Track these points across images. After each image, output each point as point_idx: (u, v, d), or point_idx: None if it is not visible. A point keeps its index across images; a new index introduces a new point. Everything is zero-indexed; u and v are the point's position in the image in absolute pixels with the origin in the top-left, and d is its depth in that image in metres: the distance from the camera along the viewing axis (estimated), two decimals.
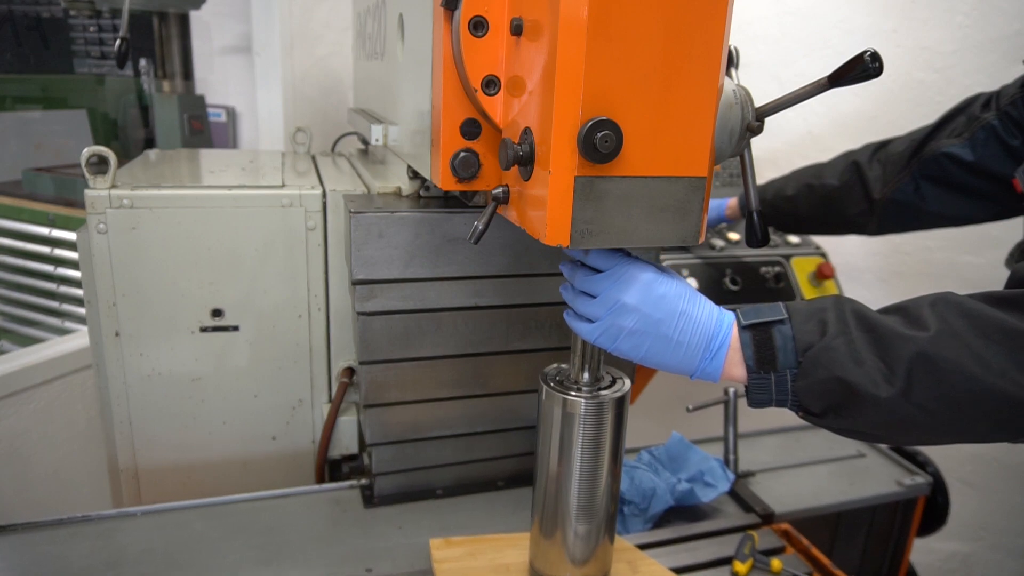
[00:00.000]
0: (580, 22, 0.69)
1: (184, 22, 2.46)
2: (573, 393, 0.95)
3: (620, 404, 0.96)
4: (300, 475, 1.45)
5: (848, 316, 0.83)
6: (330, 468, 1.46)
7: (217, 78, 2.77)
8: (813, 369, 0.82)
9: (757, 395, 0.86)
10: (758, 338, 0.84)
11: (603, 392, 0.96)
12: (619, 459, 1.00)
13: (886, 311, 0.85)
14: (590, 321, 0.88)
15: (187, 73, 2.51)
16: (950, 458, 2.33)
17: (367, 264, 1.14)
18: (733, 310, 0.89)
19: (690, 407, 1.38)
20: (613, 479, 1.00)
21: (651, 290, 0.85)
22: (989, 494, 2.37)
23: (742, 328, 0.85)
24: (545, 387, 0.97)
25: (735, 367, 0.86)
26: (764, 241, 0.89)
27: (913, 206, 1.60)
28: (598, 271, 0.89)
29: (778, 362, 0.83)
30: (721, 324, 0.86)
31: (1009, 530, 2.39)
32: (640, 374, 1.88)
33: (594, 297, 0.88)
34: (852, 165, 1.70)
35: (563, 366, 1.03)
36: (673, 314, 0.85)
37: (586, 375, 0.98)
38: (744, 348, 0.85)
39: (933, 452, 2.28)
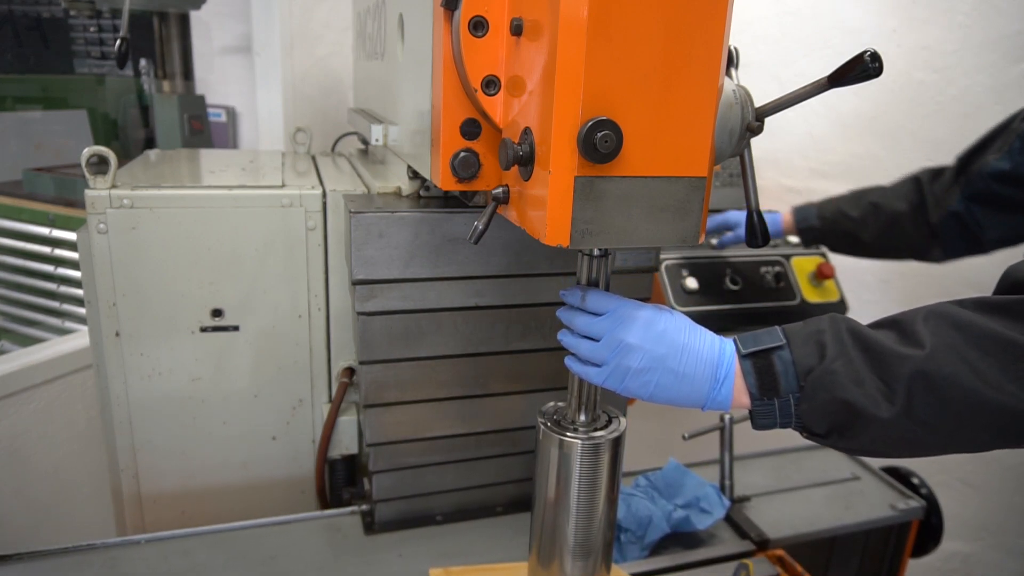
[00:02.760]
0: (580, 22, 0.69)
1: (184, 22, 2.46)
2: (569, 434, 0.96)
3: (616, 444, 0.97)
4: (300, 475, 1.45)
5: (845, 336, 0.83)
6: (331, 492, 1.46)
7: (217, 78, 2.77)
8: (816, 392, 0.82)
9: (761, 420, 0.87)
10: (759, 365, 0.85)
11: (599, 433, 0.97)
12: (616, 491, 1.00)
13: (879, 325, 0.86)
14: (595, 365, 0.89)
15: (187, 73, 2.51)
16: (950, 458, 2.32)
17: (367, 264, 1.14)
18: (732, 338, 0.90)
19: (686, 435, 1.38)
20: (610, 509, 1.00)
21: (652, 327, 0.86)
22: (989, 494, 2.37)
23: (743, 356, 0.86)
24: (542, 427, 0.98)
25: (741, 394, 0.87)
26: (764, 241, 0.89)
27: (968, 229, 1.59)
28: (596, 314, 0.89)
29: (781, 387, 0.84)
30: (724, 353, 0.87)
31: (1009, 530, 2.39)
32: None
33: (596, 340, 0.88)
34: (915, 188, 1.68)
35: (560, 404, 1.03)
36: (676, 347, 0.86)
37: (583, 416, 0.98)
38: (746, 376, 0.86)
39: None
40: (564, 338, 0.93)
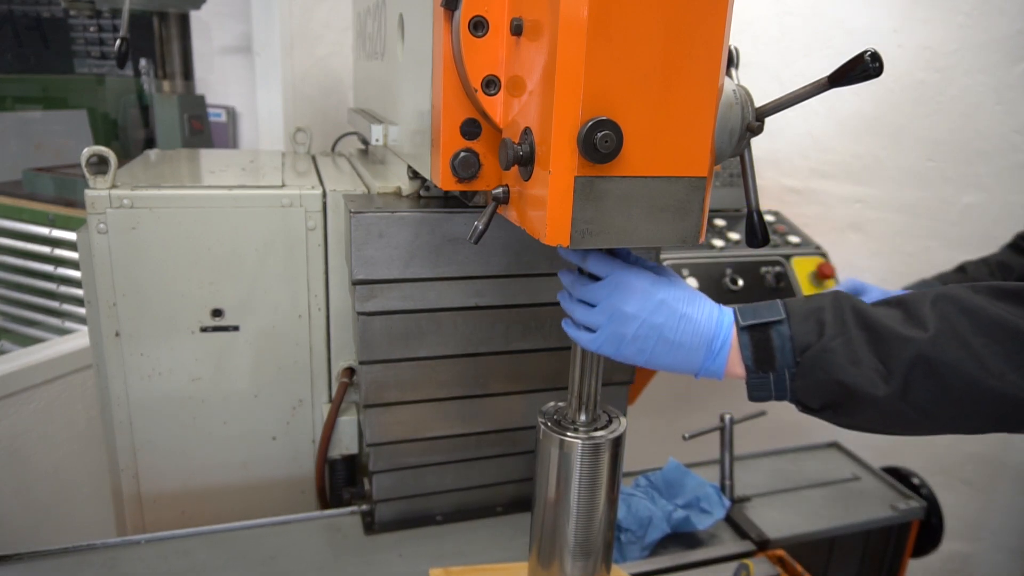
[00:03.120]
0: (580, 22, 0.69)
1: (184, 22, 2.46)
2: (570, 434, 0.96)
3: (616, 444, 0.97)
4: (300, 475, 1.45)
5: (847, 314, 0.83)
6: (331, 492, 1.46)
7: (217, 78, 2.77)
8: (811, 370, 0.82)
9: (756, 392, 0.87)
10: (756, 338, 0.85)
11: (599, 432, 0.96)
12: (616, 491, 1.00)
13: (887, 303, 0.85)
14: (590, 330, 0.89)
15: (187, 73, 2.51)
16: (950, 458, 2.33)
17: (367, 264, 1.14)
18: (733, 307, 0.89)
19: (686, 435, 1.38)
20: (610, 509, 1.00)
21: (650, 296, 0.86)
22: (989, 494, 2.37)
23: (740, 329, 0.86)
24: (543, 427, 0.97)
25: (736, 365, 0.86)
26: (764, 241, 0.89)
27: None
28: (596, 278, 0.89)
29: (776, 362, 0.84)
30: (721, 324, 0.87)
31: (1009, 530, 2.39)
32: (640, 373, 1.87)
33: (593, 306, 0.88)
34: None
35: (560, 404, 1.03)
36: (674, 317, 0.85)
37: (583, 416, 0.98)
38: (742, 349, 0.85)
39: (932, 453, 2.28)
40: (562, 299, 0.94)
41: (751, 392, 0.87)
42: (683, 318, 0.85)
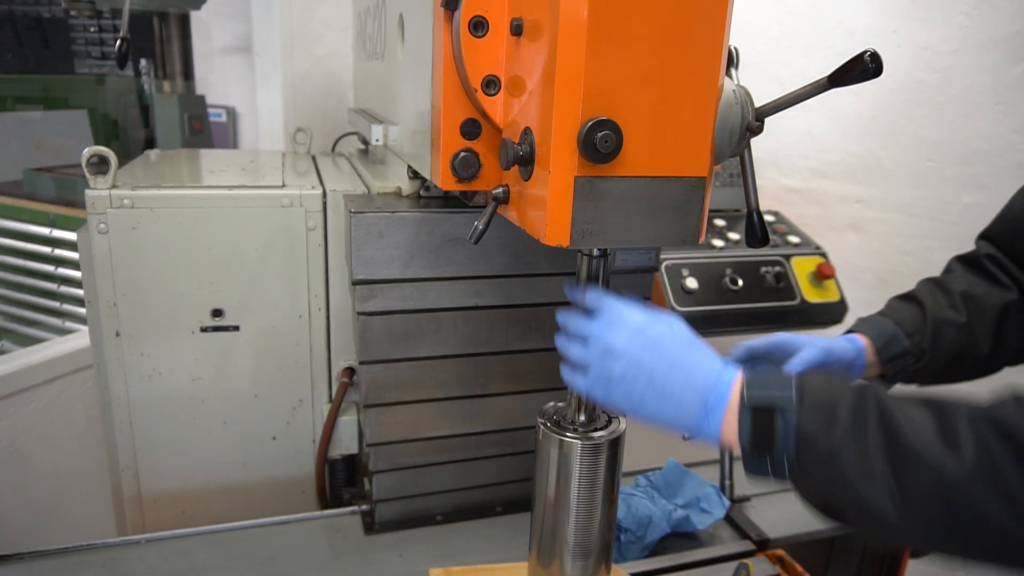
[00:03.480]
0: (580, 22, 0.69)
1: (184, 22, 2.47)
2: (569, 434, 0.95)
3: (615, 444, 0.96)
4: (300, 475, 1.45)
5: (869, 414, 0.72)
6: (331, 492, 1.47)
7: (217, 78, 2.77)
8: (814, 470, 0.74)
9: (752, 470, 0.78)
10: (757, 420, 0.75)
11: (599, 433, 0.96)
12: (615, 491, 1.00)
13: (925, 404, 0.73)
14: (584, 372, 0.84)
15: (187, 73, 2.52)
16: None
17: (367, 264, 1.14)
18: (744, 374, 0.80)
19: (687, 435, 1.38)
20: (610, 509, 1.00)
21: (643, 333, 0.80)
22: None
23: (743, 405, 0.76)
24: (542, 427, 0.97)
25: (733, 434, 0.77)
26: (764, 241, 0.89)
27: None
28: (592, 315, 0.86)
29: (776, 449, 0.75)
30: (720, 380, 0.79)
31: None
32: None
33: (587, 340, 0.84)
34: (994, 265, 1.25)
35: (560, 404, 1.03)
36: (665, 361, 0.79)
37: (582, 416, 0.98)
38: (741, 424, 0.76)
39: None
40: (559, 341, 0.90)
41: (746, 467, 0.78)
42: (675, 364, 0.79)
